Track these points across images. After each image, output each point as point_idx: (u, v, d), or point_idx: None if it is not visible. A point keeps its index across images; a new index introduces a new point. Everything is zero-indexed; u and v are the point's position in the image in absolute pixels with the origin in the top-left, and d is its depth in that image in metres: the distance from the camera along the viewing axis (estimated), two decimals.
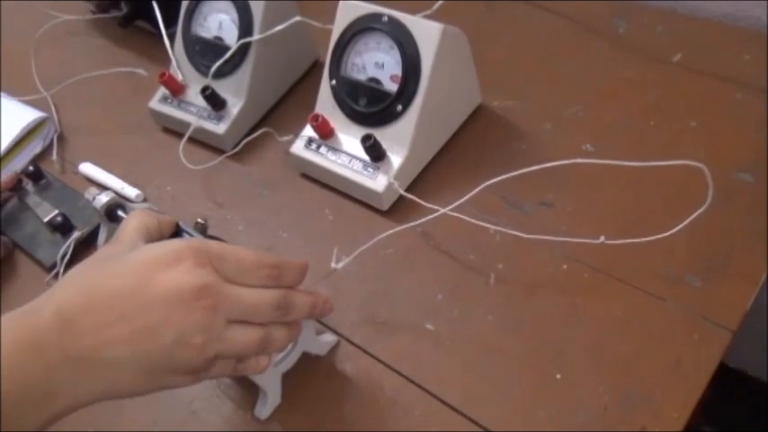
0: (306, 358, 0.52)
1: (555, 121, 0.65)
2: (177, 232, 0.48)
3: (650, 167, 0.49)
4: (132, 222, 0.45)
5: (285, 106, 0.75)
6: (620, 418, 0.46)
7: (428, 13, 0.69)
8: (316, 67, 0.78)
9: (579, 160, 0.47)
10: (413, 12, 0.63)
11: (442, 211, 0.54)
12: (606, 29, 0.71)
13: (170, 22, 0.77)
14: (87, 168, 0.74)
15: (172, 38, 0.75)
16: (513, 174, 0.50)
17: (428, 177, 0.64)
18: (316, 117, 0.64)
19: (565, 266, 0.54)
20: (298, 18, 0.69)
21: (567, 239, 0.53)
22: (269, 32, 0.69)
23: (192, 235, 0.48)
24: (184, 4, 0.74)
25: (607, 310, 0.51)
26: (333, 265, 0.55)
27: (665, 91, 0.64)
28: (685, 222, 0.50)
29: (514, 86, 0.69)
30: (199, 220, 0.56)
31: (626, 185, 0.58)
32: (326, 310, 0.47)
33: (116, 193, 0.70)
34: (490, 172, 0.56)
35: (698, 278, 0.51)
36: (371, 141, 0.60)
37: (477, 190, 0.52)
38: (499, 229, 0.56)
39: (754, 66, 0.63)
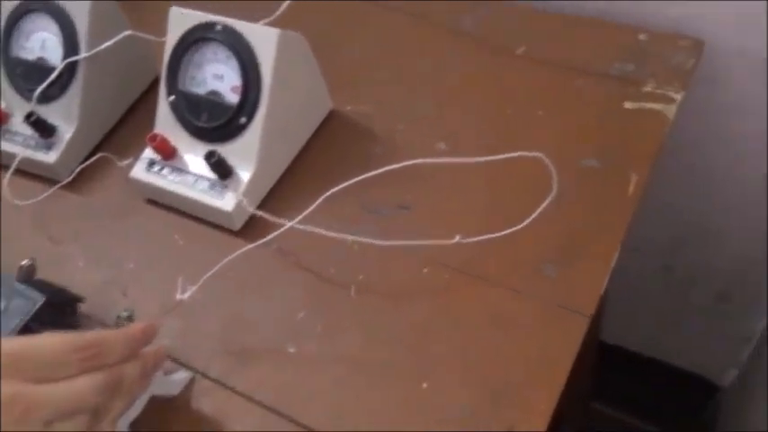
0: (156, 400, 0.48)
1: (408, 122, 0.64)
2: None
3: (500, 161, 0.49)
4: None
5: (125, 128, 0.70)
6: (490, 419, 0.45)
7: (271, 18, 0.66)
8: (157, 83, 0.73)
9: (420, 160, 0.45)
10: (256, 18, 0.60)
11: (289, 224, 0.51)
12: (453, 25, 0.71)
13: None
14: None
15: None
16: (352, 181, 0.48)
17: (282, 190, 0.61)
18: (154, 137, 0.59)
19: (425, 270, 0.53)
20: (128, 32, 0.64)
21: (425, 242, 0.52)
22: (97, 49, 0.64)
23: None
24: (1, 24, 0.67)
25: (470, 311, 0.50)
26: (178, 296, 0.51)
27: (511, 83, 0.65)
28: (535, 214, 0.49)
29: (366, 89, 0.67)
30: (24, 262, 0.50)
31: (479, 181, 0.57)
32: (159, 362, 0.44)
33: None
34: (345, 179, 0.54)
35: (553, 267, 0.51)
36: (215, 158, 0.56)
37: (318, 201, 0.50)
38: (357, 238, 0.53)
39: (592, 52, 0.65)
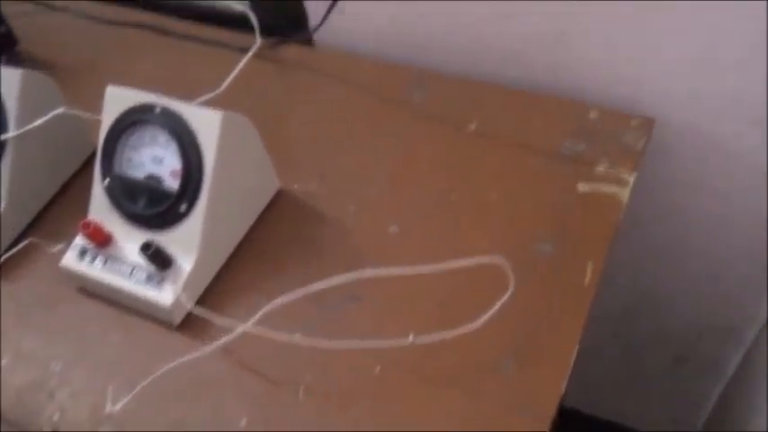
0: None
1: (359, 202, 0.61)
2: None
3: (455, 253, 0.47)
4: None
5: (58, 207, 0.65)
6: None
7: (216, 92, 0.64)
8: (93, 157, 0.68)
9: (370, 270, 0.43)
10: (200, 92, 0.58)
11: (241, 329, 0.48)
12: (403, 98, 0.70)
13: None
14: None
15: None
16: (299, 294, 0.45)
17: (226, 280, 0.57)
18: (86, 225, 0.55)
19: (378, 369, 0.50)
20: (61, 110, 0.61)
21: (377, 343, 0.49)
22: (27, 127, 0.60)
23: None
24: None
25: (424, 414, 0.47)
26: (108, 407, 0.46)
27: (464, 161, 0.63)
28: (491, 312, 0.47)
29: (314, 166, 0.65)
30: None
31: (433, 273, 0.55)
32: None
33: None
34: (294, 268, 0.54)
35: (510, 367, 0.48)
36: (152, 250, 0.53)
37: (264, 311, 0.47)
38: (304, 337, 0.50)
39: (543, 130, 0.64)
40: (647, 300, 0.83)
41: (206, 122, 0.54)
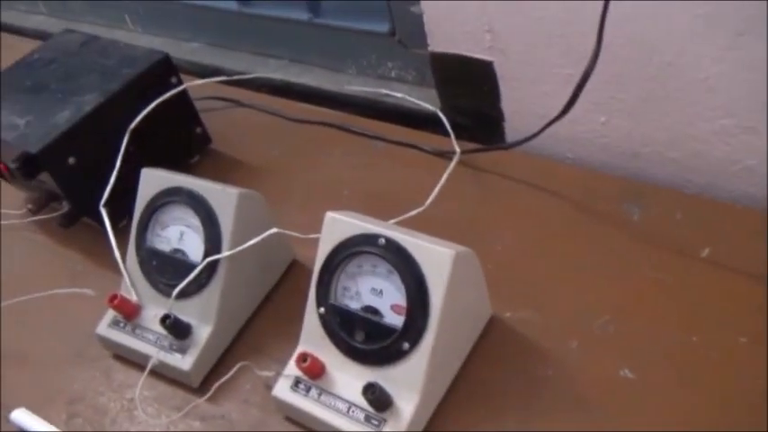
0: None
1: (582, 337, 0.56)
2: None
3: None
4: None
5: (260, 321, 0.64)
6: None
7: (421, 210, 0.62)
8: (293, 268, 0.68)
9: None
10: (393, 201, 0.57)
11: None
12: (619, 215, 0.64)
13: (121, 213, 0.70)
14: (20, 417, 0.61)
15: (124, 231, 0.66)
16: None
17: (440, 421, 0.53)
18: (303, 357, 0.53)
19: None
20: (274, 230, 0.60)
21: None
22: (241, 247, 0.59)
23: None
24: (137, 213, 0.64)
25: None
26: None
27: (700, 295, 0.56)
28: None
29: (527, 291, 0.60)
30: None
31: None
32: None
33: None
34: (513, 411, 0.51)
35: None
36: (375, 392, 0.50)
37: None
38: None
39: None
40: None
41: (435, 259, 0.51)
